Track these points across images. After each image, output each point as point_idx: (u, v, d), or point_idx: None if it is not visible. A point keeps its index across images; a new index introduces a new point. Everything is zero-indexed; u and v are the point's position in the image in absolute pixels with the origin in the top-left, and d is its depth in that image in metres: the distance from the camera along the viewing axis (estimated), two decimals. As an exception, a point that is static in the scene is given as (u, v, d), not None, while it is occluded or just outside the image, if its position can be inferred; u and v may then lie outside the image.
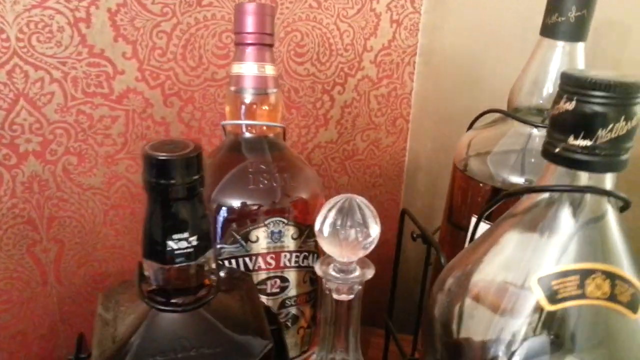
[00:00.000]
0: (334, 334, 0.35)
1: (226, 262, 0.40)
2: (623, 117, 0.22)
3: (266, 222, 0.40)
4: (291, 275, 0.43)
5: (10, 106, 0.49)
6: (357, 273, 0.33)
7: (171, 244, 0.27)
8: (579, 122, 0.22)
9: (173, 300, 0.29)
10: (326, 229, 0.32)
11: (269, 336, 0.30)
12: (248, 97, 0.43)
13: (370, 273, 0.33)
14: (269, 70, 0.42)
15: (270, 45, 0.42)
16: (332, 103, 0.64)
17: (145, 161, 0.26)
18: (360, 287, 0.34)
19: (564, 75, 0.23)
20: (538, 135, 0.41)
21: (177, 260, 0.28)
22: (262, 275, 0.42)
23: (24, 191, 0.51)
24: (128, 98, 0.53)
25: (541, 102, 0.42)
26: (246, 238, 0.40)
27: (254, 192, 0.41)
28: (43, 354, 0.58)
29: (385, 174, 0.69)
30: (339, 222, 0.34)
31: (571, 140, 0.23)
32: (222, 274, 0.35)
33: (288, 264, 0.42)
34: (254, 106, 0.42)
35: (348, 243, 0.31)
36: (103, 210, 0.55)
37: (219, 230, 0.42)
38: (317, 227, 0.32)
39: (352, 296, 0.33)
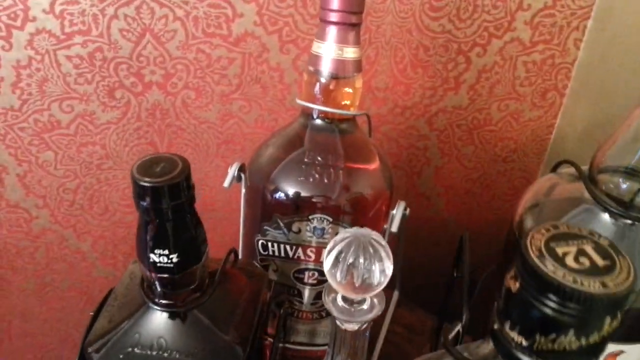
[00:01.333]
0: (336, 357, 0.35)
1: (269, 244, 0.41)
2: (573, 332, 0.16)
3: (310, 217, 0.39)
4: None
5: (137, 39, 0.53)
6: (364, 307, 0.34)
7: (153, 257, 0.28)
8: (518, 312, 0.17)
9: (162, 301, 0.31)
10: (327, 263, 0.30)
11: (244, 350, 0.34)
12: (323, 81, 0.43)
13: (378, 310, 0.31)
14: (350, 53, 0.39)
15: (356, 25, 0.41)
16: (467, 65, 0.57)
17: (132, 181, 0.27)
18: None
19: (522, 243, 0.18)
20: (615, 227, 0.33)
21: (159, 272, 0.29)
22: (301, 265, 0.41)
23: (147, 117, 0.57)
24: (245, 41, 0.53)
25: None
26: (289, 227, 0.39)
27: (304, 184, 0.39)
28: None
29: (521, 149, 0.62)
30: (348, 261, 0.32)
31: (507, 328, 0.18)
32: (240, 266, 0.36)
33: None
34: (329, 91, 0.40)
35: (353, 286, 0.32)
36: (216, 144, 0.58)
37: (270, 214, 0.41)
38: (325, 266, 0.30)
39: (356, 327, 0.32)
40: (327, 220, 0.43)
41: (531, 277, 0.18)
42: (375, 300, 0.36)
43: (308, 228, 0.44)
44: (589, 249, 0.19)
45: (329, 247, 0.34)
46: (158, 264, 0.32)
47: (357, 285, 0.34)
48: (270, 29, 0.58)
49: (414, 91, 0.63)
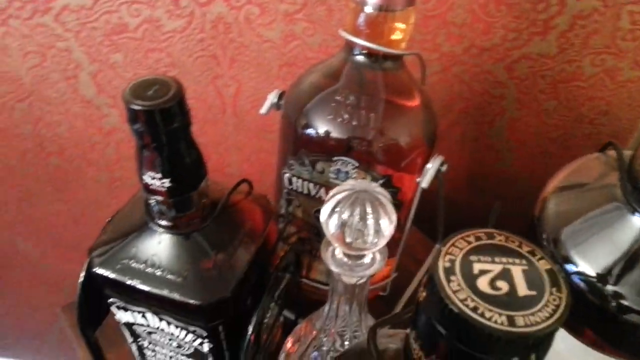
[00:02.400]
0: (337, 305, 0.34)
1: (293, 179, 0.40)
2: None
3: (334, 159, 0.37)
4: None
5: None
6: (365, 262, 0.32)
7: (146, 179, 0.28)
8: (421, 325, 0.15)
9: (161, 222, 0.31)
10: (324, 216, 0.28)
11: (226, 291, 0.33)
12: (369, 11, 0.38)
13: (378, 267, 0.33)
14: None
15: None
16: (561, 8, 0.50)
17: (125, 104, 0.26)
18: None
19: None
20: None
21: (153, 194, 0.29)
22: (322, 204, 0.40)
23: (211, 29, 0.55)
24: None
25: None
26: (314, 165, 0.38)
27: (332, 123, 0.37)
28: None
29: (613, 113, 0.55)
30: (343, 216, 0.31)
31: (412, 338, 0.15)
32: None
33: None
34: (375, 24, 0.36)
35: (343, 239, 0.30)
36: (277, 65, 0.57)
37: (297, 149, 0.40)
38: (321, 216, 0.28)
39: (354, 280, 0.31)
40: (352, 164, 0.40)
41: (432, 292, 0.15)
42: (377, 255, 0.34)
43: (332, 169, 0.41)
44: (517, 271, 0.15)
45: (328, 196, 0.31)
46: (151, 187, 0.31)
47: (347, 241, 0.32)
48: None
49: (495, 31, 0.56)
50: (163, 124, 0.28)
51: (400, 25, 0.39)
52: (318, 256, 0.46)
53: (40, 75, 0.67)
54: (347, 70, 0.41)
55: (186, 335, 0.36)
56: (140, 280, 0.33)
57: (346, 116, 0.39)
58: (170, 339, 0.37)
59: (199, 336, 0.35)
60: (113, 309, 0.37)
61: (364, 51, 0.40)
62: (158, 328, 0.36)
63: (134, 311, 0.36)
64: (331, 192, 0.31)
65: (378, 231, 0.31)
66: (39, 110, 0.71)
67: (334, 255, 0.33)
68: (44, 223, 0.87)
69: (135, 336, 0.39)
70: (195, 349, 0.36)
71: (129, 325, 0.37)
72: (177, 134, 0.30)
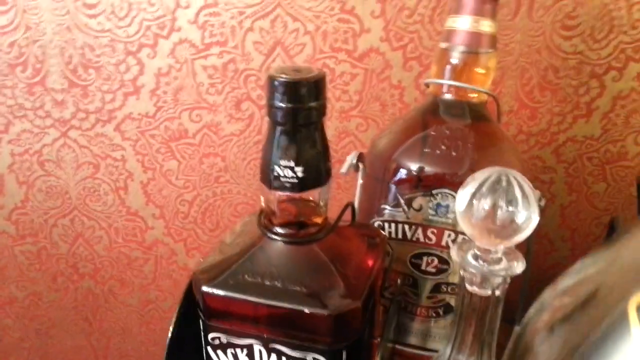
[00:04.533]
0: (463, 333, 0.28)
1: (385, 225, 0.36)
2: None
3: (434, 192, 0.34)
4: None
5: (269, 52, 0.53)
6: (500, 266, 0.26)
7: (278, 170, 0.25)
8: None
9: (280, 230, 0.27)
10: (462, 203, 0.25)
11: (358, 301, 0.29)
12: (456, 55, 0.40)
13: (519, 268, 0.26)
14: (486, 26, 0.36)
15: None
16: (601, 90, 0.52)
17: (268, 83, 0.28)
18: (502, 282, 0.26)
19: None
20: None
21: (282, 187, 0.25)
22: (420, 248, 0.36)
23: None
24: (369, 57, 0.52)
25: None
26: (409, 204, 0.35)
27: (430, 156, 0.35)
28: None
29: None
30: (485, 200, 0.27)
31: None
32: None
33: (451, 244, 0.35)
34: (461, 66, 0.36)
35: (488, 225, 0.28)
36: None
37: (390, 192, 0.37)
38: (457, 200, 0.25)
39: (489, 292, 0.26)
40: (452, 196, 0.38)
41: None
42: (513, 262, 0.30)
43: (430, 205, 0.39)
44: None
45: (464, 183, 0.29)
46: (282, 178, 0.29)
47: (498, 223, 0.28)
48: (395, 45, 0.57)
49: (541, 116, 0.58)
50: (305, 98, 0.27)
51: (482, 70, 0.40)
52: (415, 313, 0.41)
53: (90, 187, 0.66)
54: (440, 110, 0.41)
55: (302, 368, 0.29)
56: (258, 294, 0.28)
57: (443, 147, 0.39)
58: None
59: (317, 368, 0.29)
60: (211, 353, 0.30)
61: (451, 94, 0.41)
62: (266, 367, 0.30)
63: (237, 347, 0.30)
64: (468, 179, 0.29)
65: (529, 217, 0.28)
66: (81, 226, 0.68)
67: (467, 258, 0.30)
68: (60, 363, 0.78)
69: None
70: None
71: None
72: (315, 116, 0.28)
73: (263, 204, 0.32)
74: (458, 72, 0.40)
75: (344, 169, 0.45)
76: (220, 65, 0.60)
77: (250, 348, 0.30)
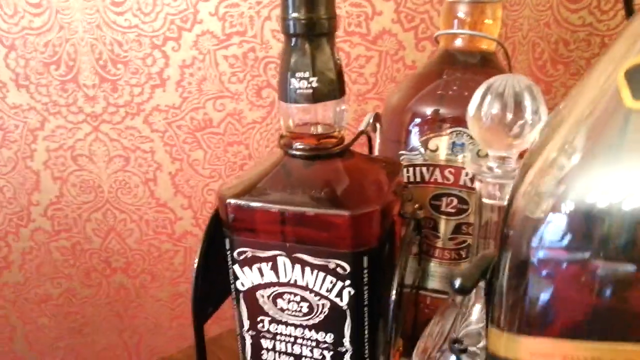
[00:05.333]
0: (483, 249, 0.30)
1: (404, 170, 0.37)
2: None
3: (449, 131, 0.35)
4: (472, 199, 0.37)
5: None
6: (515, 171, 0.27)
7: (293, 82, 0.27)
8: None
9: (299, 146, 0.32)
10: (472, 107, 0.27)
11: (377, 204, 0.30)
12: (463, 7, 0.41)
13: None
14: None
15: None
16: None
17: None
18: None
19: None
20: None
21: (298, 99, 0.27)
22: (438, 189, 0.37)
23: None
24: (382, 39, 0.54)
25: None
26: (425, 145, 0.36)
27: (442, 97, 0.37)
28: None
29: None
30: (493, 101, 0.29)
31: None
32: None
33: (469, 183, 0.36)
34: (469, 17, 0.38)
35: (498, 126, 0.26)
36: None
37: (407, 139, 0.39)
38: (472, 104, 0.27)
39: (505, 202, 0.27)
40: (467, 134, 0.39)
41: None
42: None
43: (446, 144, 0.39)
44: None
45: (479, 88, 0.30)
46: (298, 90, 0.30)
47: (507, 121, 0.29)
48: (406, 26, 0.59)
49: (555, 90, 0.59)
50: (319, 8, 0.29)
51: (490, 21, 0.42)
52: (437, 256, 0.41)
53: (121, 180, 0.68)
54: (452, 59, 0.42)
55: (323, 281, 0.30)
56: (281, 202, 0.29)
57: (455, 88, 0.40)
58: (300, 302, 0.31)
59: (339, 278, 0.29)
60: (237, 271, 0.31)
61: (461, 45, 0.42)
62: (289, 282, 0.31)
63: (263, 260, 0.30)
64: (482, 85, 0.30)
65: (536, 112, 0.29)
66: (113, 219, 0.70)
67: (482, 167, 0.31)
68: (94, 362, 0.79)
69: (254, 316, 0.32)
70: (331, 310, 0.30)
71: (251, 295, 0.31)
72: (327, 27, 0.29)
73: (283, 126, 0.33)
74: (466, 24, 0.42)
75: (362, 125, 0.46)
76: (240, 54, 0.62)
77: (274, 260, 0.31)
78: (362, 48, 0.61)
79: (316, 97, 0.30)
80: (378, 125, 0.46)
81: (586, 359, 0.15)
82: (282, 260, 0.31)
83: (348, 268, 0.30)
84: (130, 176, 0.69)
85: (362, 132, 0.36)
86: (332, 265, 0.30)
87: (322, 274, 0.30)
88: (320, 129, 0.32)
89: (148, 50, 0.63)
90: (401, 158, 0.42)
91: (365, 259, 0.30)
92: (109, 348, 0.78)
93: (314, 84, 0.30)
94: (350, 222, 0.29)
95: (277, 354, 0.34)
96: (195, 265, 0.33)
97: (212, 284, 0.34)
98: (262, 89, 0.63)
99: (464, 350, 0.27)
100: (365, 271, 0.30)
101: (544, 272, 0.17)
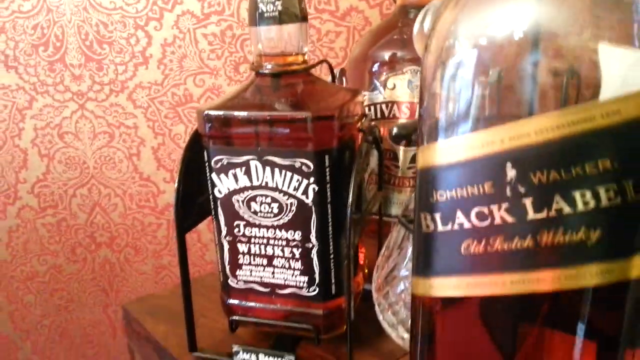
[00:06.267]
0: None
1: (366, 109, 0.42)
2: None
3: (405, 70, 0.40)
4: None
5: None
6: None
7: (261, 6, 0.32)
8: None
9: (268, 66, 0.36)
10: (416, 26, 0.32)
11: (334, 110, 0.34)
12: None
13: None
14: None
15: None
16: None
17: None
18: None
19: None
20: None
21: (266, 21, 0.32)
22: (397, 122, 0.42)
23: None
24: (350, 16, 0.59)
25: None
26: (384, 85, 0.41)
27: (399, 41, 0.41)
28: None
29: None
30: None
31: None
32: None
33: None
34: None
35: None
36: None
37: (369, 82, 0.43)
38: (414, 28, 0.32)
39: None
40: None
41: None
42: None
43: (403, 82, 0.44)
44: None
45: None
46: (265, 14, 0.34)
47: None
48: (372, 3, 0.65)
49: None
50: None
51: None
52: (397, 184, 0.45)
53: (106, 155, 0.72)
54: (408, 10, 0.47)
55: (291, 180, 0.33)
56: (251, 109, 0.33)
57: (410, 33, 0.44)
58: (271, 203, 0.34)
59: (304, 175, 0.33)
60: (215, 179, 0.35)
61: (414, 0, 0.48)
62: (261, 185, 0.34)
63: (237, 166, 0.34)
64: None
65: None
66: (97, 195, 0.74)
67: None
68: (79, 339, 0.81)
69: (231, 222, 0.36)
70: (298, 208, 0.34)
71: (228, 201, 0.35)
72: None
73: (254, 52, 0.37)
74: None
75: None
76: (218, 32, 0.67)
77: (247, 165, 0.35)
78: (331, 24, 0.66)
79: (282, 19, 0.34)
80: (344, 79, 0.51)
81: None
82: (254, 164, 0.35)
83: (312, 166, 0.34)
84: (114, 152, 0.72)
85: (324, 60, 0.41)
86: (297, 165, 0.34)
87: (289, 174, 0.34)
88: (286, 52, 0.36)
89: (132, 30, 0.67)
90: (364, 98, 0.46)
91: (327, 158, 0.34)
92: (94, 324, 0.80)
93: (279, 7, 0.34)
94: (312, 122, 0.33)
95: (252, 257, 0.37)
96: (178, 171, 0.37)
97: (192, 199, 0.38)
98: (239, 65, 0.68)
99: (411, 221, 0.31)
100: (327, 170, 0.34)
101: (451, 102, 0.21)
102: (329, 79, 0.44)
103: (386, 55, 0.45)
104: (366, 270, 0.43)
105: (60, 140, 0.72)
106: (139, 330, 0.46)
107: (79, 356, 0.82)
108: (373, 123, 0.40)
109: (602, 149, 0.18)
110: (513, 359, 0.23)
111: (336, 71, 0.51)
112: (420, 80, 0.24)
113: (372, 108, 0.46)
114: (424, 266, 0.24)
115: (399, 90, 0.44)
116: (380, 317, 0.38)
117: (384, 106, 0.45)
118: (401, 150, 0.45)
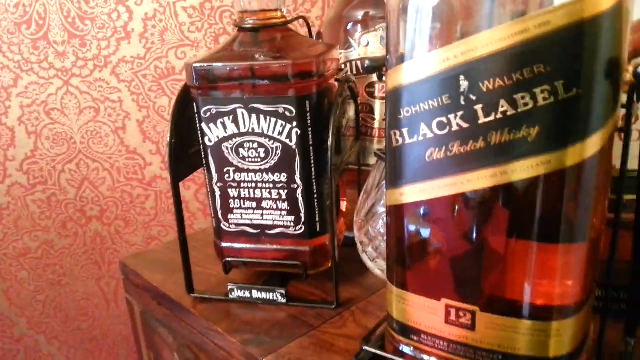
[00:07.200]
0: None
1: (342, 66, 0.45)
2: None
3: (377, 27, 0.43)
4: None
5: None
6: None
7: None
8: None
9: (250, 21, 0.39)
10: None
11: (313, 58, 0.37)
12: None
13: None
14: None
15: None
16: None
17: None
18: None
19: None
20: None
21: None
22: (371, 78, 0.45)
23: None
24: None
25: None
26: (359, 42, 0.44)
27: (371, 1, 0.44)
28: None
29: None
30: None
31: None
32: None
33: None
34: None
35: None
36: None
37: (344, 41, 0.46)
38: None
39: None
40: (392, 29, 0.47)
41: None
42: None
43: (375, 39, 0.47)
44: None
45: None
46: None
47: None
48: (344, -28, 0.68)
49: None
50: None
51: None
52: (374, 135, 0.49)
53: (92, 130, 0.74)
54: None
55: (275, 125, 0.37)
56: (237, 61, 0.37)
57: (380, -6, 0.48)
58: (257, 148, 0.38)
59: (287, 120, 0.36)
60: (205, 129, 0.38)
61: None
62: (247, 131, 0.37)
63: (225, 115, 0.37)
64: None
65: None
66: (86, 169, 0.76)
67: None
68: (73, 312, 0.83)
69: (221, 169, 0.39)
70: (283, 151, 0.37)
71: (218, 149, 0.39)
72: None
73: (236, 10, 0.40)
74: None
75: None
76: (198, 5, 0.69)
77: (234, 113, 0.38)
78: (306, -6, 0.69)
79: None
80: (321, 41, 0.54)
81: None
82: (241, 112, 0.38)
83: (294, 111, 0.37)
84: (100, 126, 0.74)
85: (301, 17, 0.44)
86: (281, 110, 0.37)
87: (273, 120, 0.37)
88: (266, 9, 0.39)
89: (113, 5, 0.69)
90: (340, 56, 0.49)
91: (307, 103, 0.37)
92: (87, 297, 0.83)
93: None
94: (292, 69, 0.36)
95: (242, 201, 0.41)
96: (170, 118, 0.40)
97: (185, 151, 0.41)
98: (219, 36, 0.71)
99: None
100: (308, 114, 0.37)
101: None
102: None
103: (359, 14, 0.48)
104: (348, 217, 0.47)
105: (46, 117, 0.74)
106: (137, 281, 0.49)
107: (74, 329, 0.84)
108: (348, 73, 0.43)
109: (537, 55, 0.21)
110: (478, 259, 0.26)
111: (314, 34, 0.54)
112: (385, 17, 0.27)
113: (348, 65, 0.49)
114: (395, 178, 0.27)
115: (372, 46, 0.48)
116: (362, 253, 0.42)
117: (358, 62, 0.49)
118: (377, 103, 0.49)
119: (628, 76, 0.25)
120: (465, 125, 0.24)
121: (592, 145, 0.23)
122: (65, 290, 0.82)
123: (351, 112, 0.46)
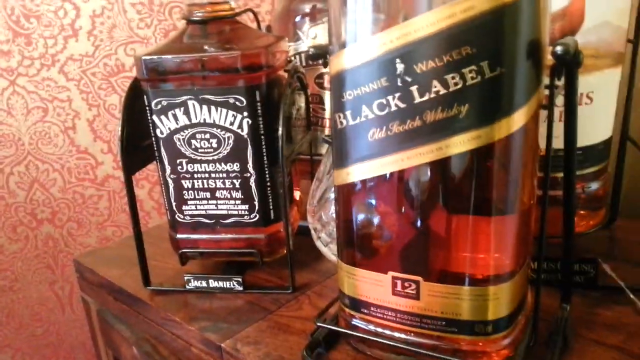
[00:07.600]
0: None
1: (292, 59, 0.46)
2: None
3: (324, 20, 0.45)
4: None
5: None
6: None
7: None
8: None
9: (199, 14, 0.39)
10: None
11: (262, 48, 0.38)
12: None
13: None
14: None
15: None
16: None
17: None
18: None
19: None
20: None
21: None
22: (320, 70, 0.46)
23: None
24: None
25: None
26: (307, 34, 0.45)
27: None
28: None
29: None
30: None
31: None
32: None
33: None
34: None
35: None
36: None
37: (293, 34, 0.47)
38: None
39: None
40: (338, 21, 0.49)
41: None
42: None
43: (324, 31, 0.49)
44: None
45: None
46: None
47: None
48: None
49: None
50: None
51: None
52: (324, 125, 0.50)
53: (41, 131, 0.73)
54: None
55: (226, 116, 0.38)
56: (186, 51, 0.37)
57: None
58: (210, 139, 0.38)
59: (238, 110, 0.37)
60: (156, 121, 0.38)
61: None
62: (199, 122, 0.38)
63: (176, 107, 0.38)
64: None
65: None
66: (35, 171, 0.75)
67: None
68: (27, 318, 0.81)
69: (174, 160, 0.40)
70: (235, 141, 0.38)
71: (170, 141, 0.39)
72: None
73: (185, 3, 0.41)
74: None
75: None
76: (146, 1, 0.69)
77: (185, 105, 0.38)
78: (256, -11, 0.70)
79: (207, -30, 0.39)
80: (270, 33, 0.55)
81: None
82: (192, 103, 0.38)
83: (244, 101, 0.38)
84: (49, 126, 0.73)
85: (249, 9, 0.45)
86: (231, 100, 0.38)
87: (224, 110, 0.38)
88: (214, 1, 0.40)
89: (59, 3, 0.68)
90: (290, 49, 0.51)
91: (257, 93, 0.38)
92: (41, 302, 0.81)
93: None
94: (242, 59, 0.37)
95: (196, 192, 0.41)
96: (121, 110, 0.40)
97: (137, 144, 0.41)
98: (169, 32, 0.71)
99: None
100: (258, 104, 0.38)
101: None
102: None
103: (307, 7, 0.50)
104: (301, 207, 0.48)
105: (-8, 118, 0.72)
106: (92, 278, 0.49)
107: (29, 335, 0.82)
108: (297, 64, 0.45)
109: (463, 38, 0.23)
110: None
111: (263, 28, 0.56)
112: (328, 7, 0.29)
113: (297, 57, 0.50)
114: (341, 158, 0.29)
115: (320, 38, 0.49)
116: (316, 240, 0.43)
117: (308, 54, 0.50)
118: (327, 93, 0.50)
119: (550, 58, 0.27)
120: (402, 105, 0.25)
121: (518, 120, 0.25)
122: (18, 296, 0.80)
123: (302, 102, 0.47)
